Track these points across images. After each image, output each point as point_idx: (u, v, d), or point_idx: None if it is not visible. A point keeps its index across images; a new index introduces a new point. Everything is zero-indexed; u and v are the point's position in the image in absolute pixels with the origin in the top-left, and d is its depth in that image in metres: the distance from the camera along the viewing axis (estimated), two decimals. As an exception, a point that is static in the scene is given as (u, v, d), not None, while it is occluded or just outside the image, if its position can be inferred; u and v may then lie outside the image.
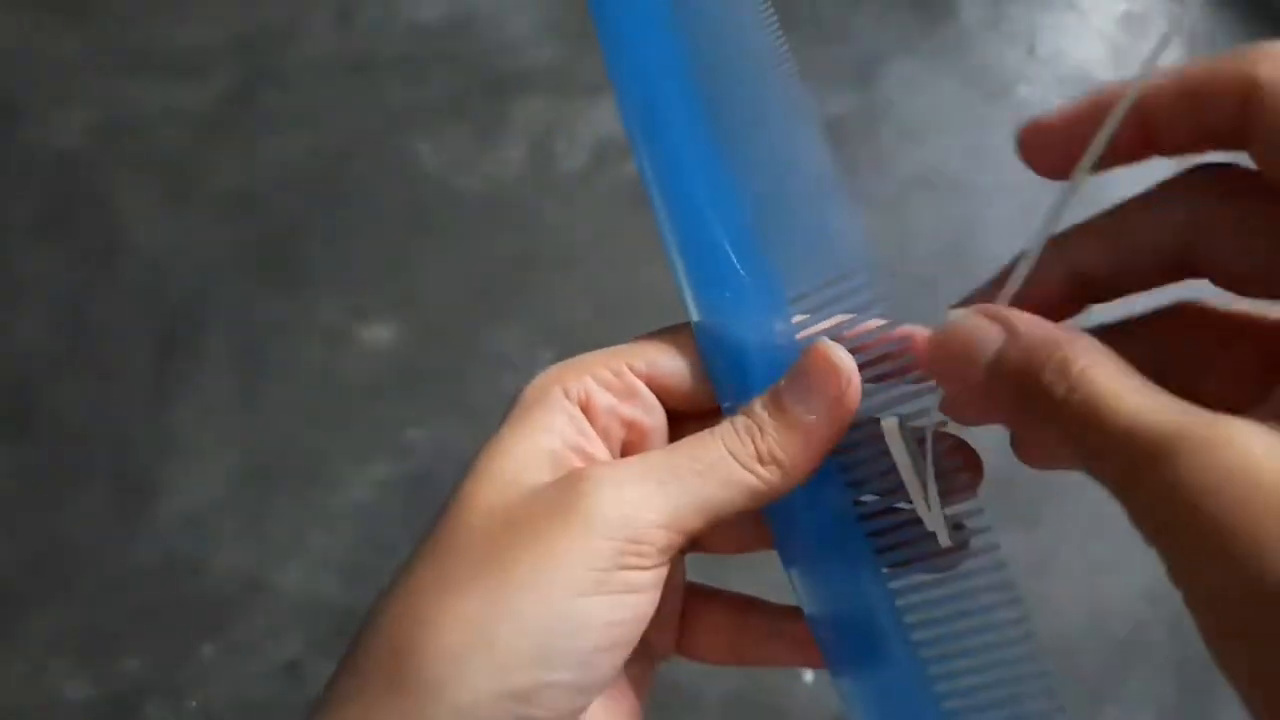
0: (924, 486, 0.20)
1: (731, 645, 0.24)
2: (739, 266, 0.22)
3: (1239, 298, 0.19)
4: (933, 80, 0.65)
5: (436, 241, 0.59)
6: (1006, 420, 0.19)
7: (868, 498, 0.22)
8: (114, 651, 0.49)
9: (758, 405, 0.20)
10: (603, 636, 0.18)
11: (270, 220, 0.60)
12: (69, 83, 0.64)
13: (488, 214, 0.60)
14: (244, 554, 0.51)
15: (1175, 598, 0.15)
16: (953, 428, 0.21)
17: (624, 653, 0.19)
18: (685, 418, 0.22)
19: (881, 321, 0.21)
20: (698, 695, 0.47)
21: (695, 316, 0.22)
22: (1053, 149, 0.20)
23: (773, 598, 0.24)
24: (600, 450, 0.21)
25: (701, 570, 0.24)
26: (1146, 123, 0.19)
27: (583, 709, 0.19)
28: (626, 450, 0.22)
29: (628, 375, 0.22)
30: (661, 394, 0.22)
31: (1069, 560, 0.52)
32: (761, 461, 0.20)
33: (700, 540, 0.24)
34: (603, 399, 0.21)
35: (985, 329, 0.18)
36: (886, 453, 0.20)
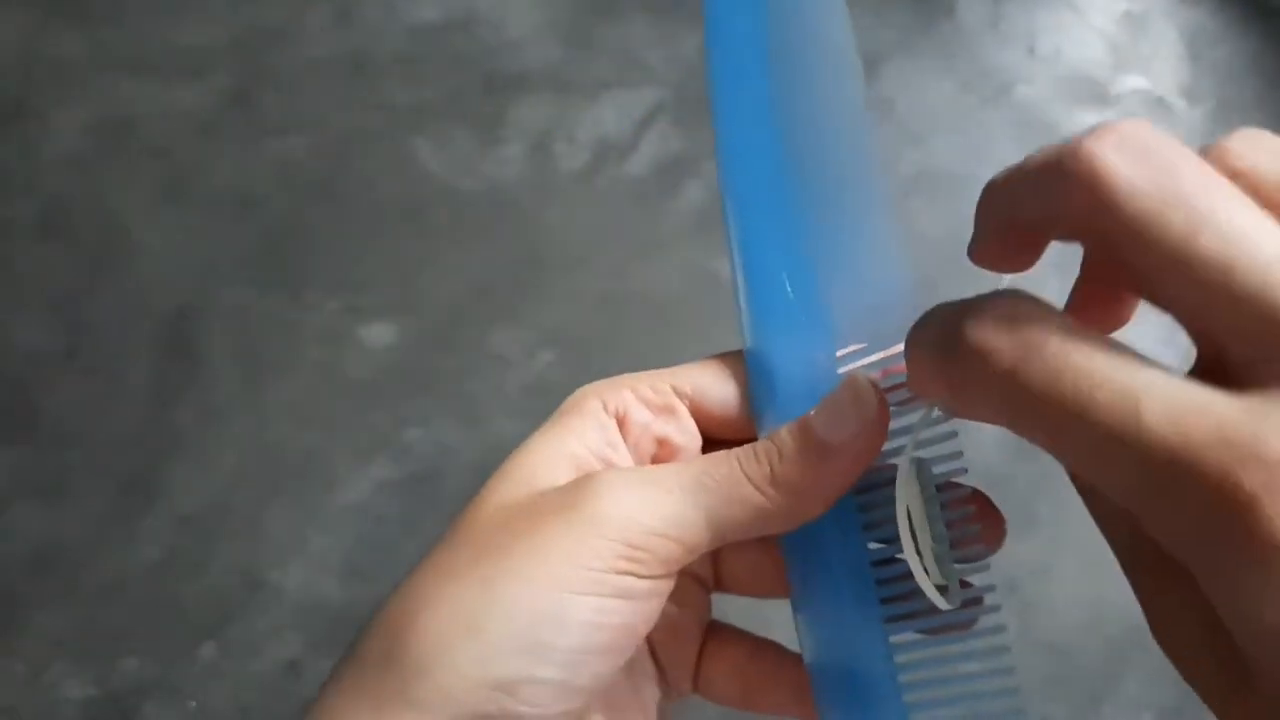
0: (929, 536, 0.20)
1: (742, 689, 0.24)
2: (794, 299, 0.22)
3: None
4: (932, 80, 0.65)
5: (436, 241, 0.59)
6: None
7: (878, 545, 0.21)
8: (114, 651, 0.49)
9: (785, 431, 0.20)
10: (590, 638, 0.18)
11: (270, 220, 0.60)
12: (69, 83, 0.64)
13: (488, 214, 0.60)
14: (244, 554, 0.51)
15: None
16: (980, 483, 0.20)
17: (614, 661, 0.19)
18: (723, 444, 0.22)
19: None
20: (697, 696, 0.47)
21: (748, 343, 0.22)
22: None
23: (790, 641, 0.23)
24: (625, 461, 0.21)
25: (745, 610, 0.24)
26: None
27: (572, 708, 0.19)
28: (654, 464, 0.22)
29: (668, 394, 0.22)
30: (702, 417, 0.22)
31: (1068, 560, 0.52)
32: (775, 485, 0.19)
33: (726, 580, 0.24)
34: (639, 414, 0.21)
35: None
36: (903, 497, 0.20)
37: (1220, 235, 0.14)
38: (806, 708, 0.23)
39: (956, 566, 0.20)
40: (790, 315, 0.22)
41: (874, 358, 0.21)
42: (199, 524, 0.52)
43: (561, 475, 0.20)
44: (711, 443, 0.23)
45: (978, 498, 0.21)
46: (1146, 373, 0.14)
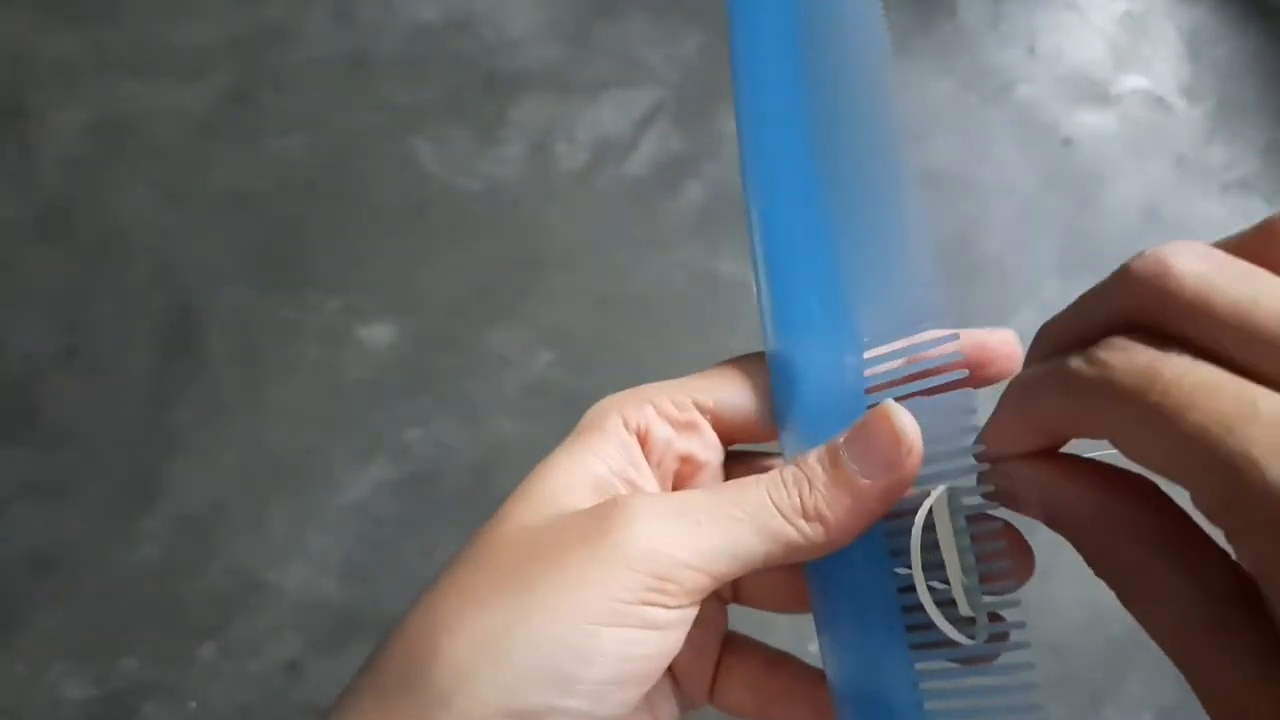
0: (959, 567, 0.19)
1: (758, 701, 0.23)
2: (820, 309, 0.21)
3: None
4: (932, 80, 0.65)
5: (436, 241, 0.59)
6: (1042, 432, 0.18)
7: (905, 571, 0.21)
8: (114, 651, 0.49)
9: (813, 457, 0.20)
10: (616, 669, 0.18)
11: (270, 220, 0.60)
12: (69, 83, 0.64)
13: (488, 214, 0.60)
14: (244, 554, 0.51)
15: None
16: (1006, 514, 0.20)
17: (638, 690, 0.19)
18: (744, 456, 0.22)
19: (951, 347, 0.20)
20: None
21: (771, 345, 0.22)
22: None
23: (812, 656, 0.23)
24: (649, 482, 0.21)
25: (748, 619, 0.24)
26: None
27: None
28: (678, 484, 0.22)
29: (690, 409, 0.21)
30: (724, 428, 0.22)
31: (1069, 561, 0.52)
32: (806, 517, 0.19)
33: (744, 594, 0.24)
34: (661, 430, 0.21)
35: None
36: (932, 526, 0.20)
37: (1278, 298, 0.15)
38: None
39: (986, 599, 0.20)
40: (815, 320, 0.21)
41: (899, 362, 0.21)
42: (199, 524, 0.52)
43: (584, 497, 0.20)
44: (733, 456, 0.22)
45: (1008, 531, 0.21)
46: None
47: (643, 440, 0.21)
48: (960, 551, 0.20)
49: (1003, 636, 0.20)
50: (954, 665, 0.20)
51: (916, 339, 0.21)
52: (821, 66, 0.22)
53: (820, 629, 0.21)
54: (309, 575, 0.51)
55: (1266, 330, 0.15)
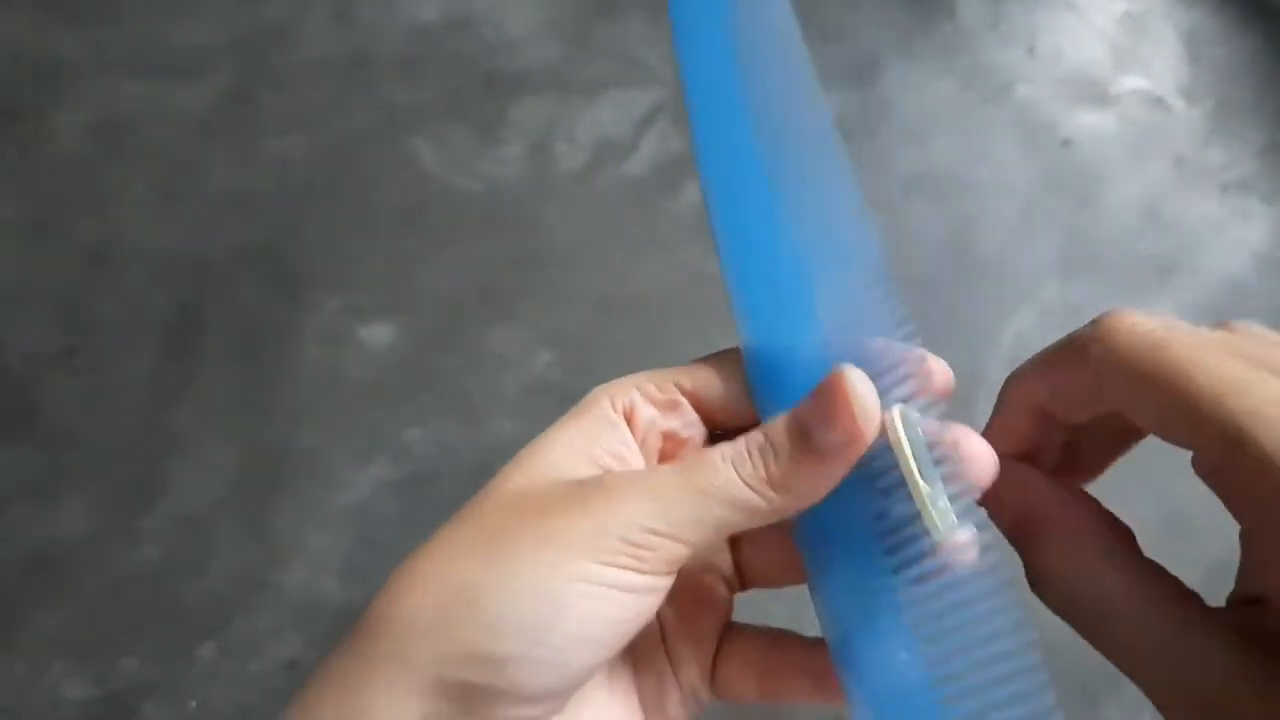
0: (921, 476, 0.20)
1: (759, 684, 0.24)
2: (783, 285, 0.23)
3: None
4: (932, 80, 0.65)
5: (436, 241, 0.59)
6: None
7: (881, 501, 0.22)
8: (114, 651, 0.49)
9: (779, 426, 0.21)
10: (584, 625, 0.19)
11: (270, 220, 0.60)
12: (69, 83, 0.64)
13: (488, 214, 0.60)
14: (244, 554, 0.51)
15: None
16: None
17: (605, 652, 0.20)
18: (728, 434, 0.23)
19: (919, 353, 0.21)
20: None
21: (744, 337, 0.23)
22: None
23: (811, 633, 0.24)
24: (636, 457, 0.22)
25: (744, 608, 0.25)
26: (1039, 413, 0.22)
27: (555, 697, 0.19)
28: (663, 459, 0.23)
29: (673, 390, 0.23)
30: (705, 410, 0.23)
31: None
32: (772, 485, 0.20)
33: (750, 577, 0.25)
34: (645, 411, 0.23)
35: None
36: (889, 449, 0.21)
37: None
38: (826, 692, 0.23)
39: (953, 508, 0.21)
40: (779, 301, 0.23)
41: (859, 340, 0.21)
42: (199, 524, 0.52)
43: (575, 469, 0.21)
44: (717, 436, 0.23)
45: (959, 433, 0.21)
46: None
47: (629, 419, 0.22)
48: (922, 464, 0.20)
49: (973, 542, 0.21)
50: (934, 579, 0.21)
51: (876, 346, 0.22)
52: (757, 60, 0.24)
53: (811, 586, 0.22)
54: (309, 575, 0.51)
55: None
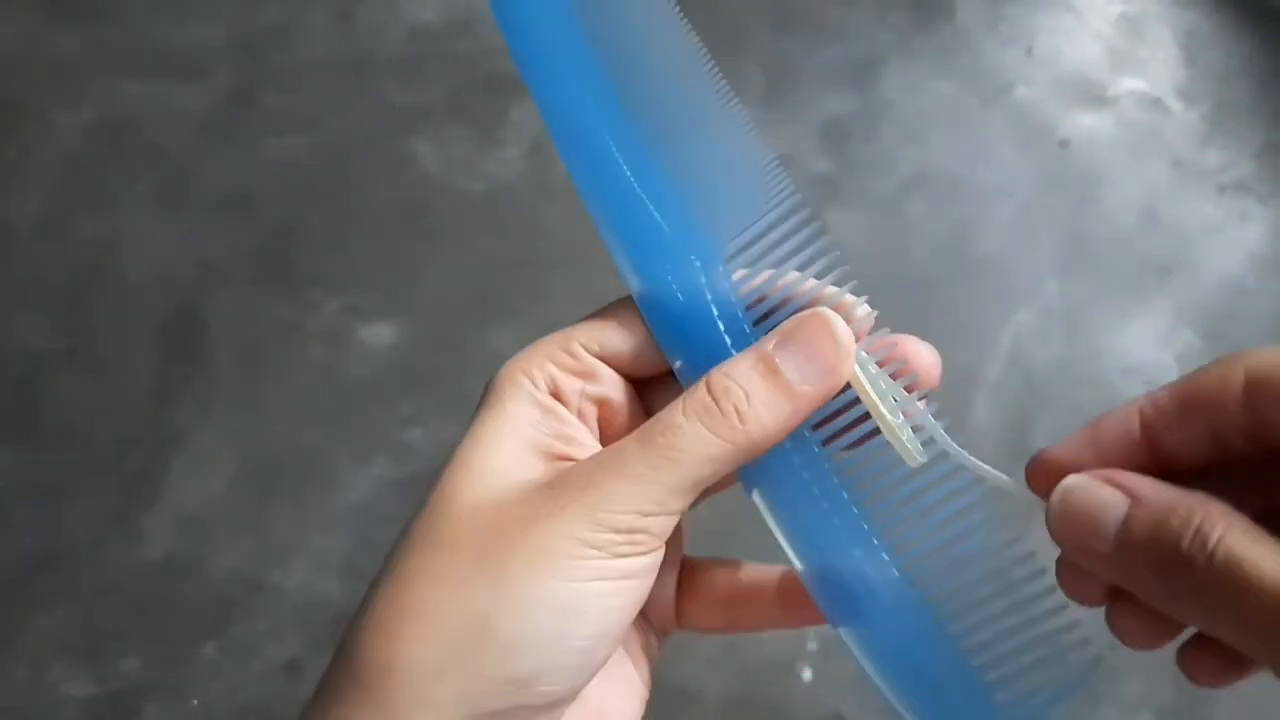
0: (885, 411, 0.20)
1: (725, 611, 0.24)
2: (669, 230, 0.22)
3: None
4: (932, 81, 0.65)
5: (436, 241, 0.60)
6: (1140, 592, 0.18)
7: (827, 428, 0.22)
8: (114, 651, 0.49)
9: (745, 367, 0.20)
10: (603, 622, 0.19)
11: (270, 220, 0.60)
12: (69, 83, 0.64)
13: (488, 214, 0.60)
14: (244, 554, 0.51)
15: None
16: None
17: (620, 637, 0.20)
18: (656, 380, 0.23)
19: (825, 282, 0.21)
20: (697, 695, 0.47)
21: (635, 285, 0.22)
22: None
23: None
24: (580, 432, 0.22)
25: (699, 546, 0.25)
26: (1154, 444, 0.19)
27: (579, 689, 0.19)
28: (602, 425, 0.22)
29: (586, 357, 0.22)
30: (618, 367, 0.22)
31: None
32: (744, 426, 0.20)
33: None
34: (570, 384, 0.22)
35: (1107, 496, 0.18)
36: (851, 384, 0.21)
37: None
38: (792, 615, 0.23)
39: (907, 422, 0.21)
40: (673, 250, 0.22)
41: (768, 273, 0.21)
42: (199, 524, 0.52)
43: (527, 465, 0.20)
44: (636, 383, 0.23)
45: (901, 343, 0.21)
46: None
47: (555, 395, 0.22)
48: (884, 400, 0.20)
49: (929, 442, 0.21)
50: (902, 502, 0.21)
51: (785, 272, 0.21)
52: (598, 14, 0.23)
53: (750, 488, 0.22)
54: (309, 575, 0.51)
55: None
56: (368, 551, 0.51)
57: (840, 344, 0.20)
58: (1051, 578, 0.20)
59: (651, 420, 0.20)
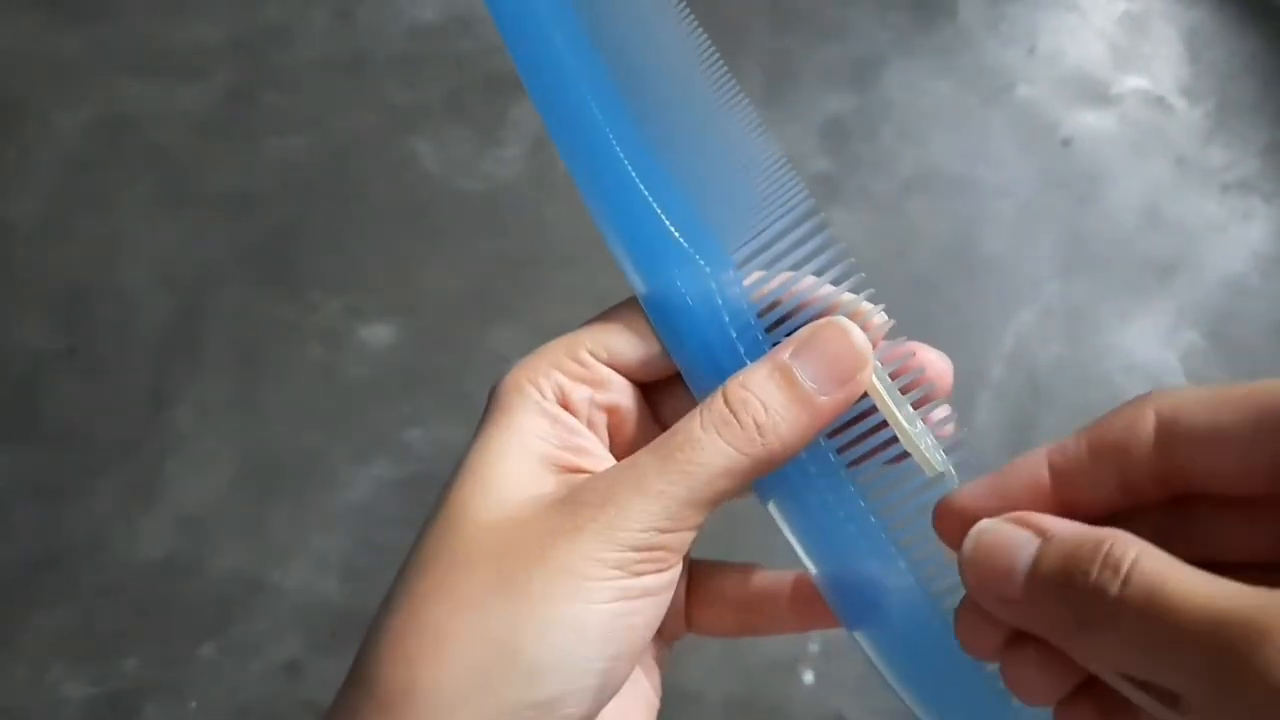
0: (904, 420, 0.20)
1: (736, 617, 0.24)
2: (675, 232, 0.21)
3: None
4: (932, 80, 0.65)
5: (436, 241, 0.59)
6: (1057, 636, 0.17)
7: (843, 436, 0.21)
8: (114, 651, 0.49)
9: (761, 377, 0.20)
10: (624, 642, 0.19)
11: (270, 220, 0.60)
12: (69, 83, 0.64)
13: (488, 214, 0.60)
14: (244, 554, 0.51)
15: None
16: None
17: (640, 652, 0.19)
18: (665, 384, 0.22)
19: (839, 289, 0.21)
20: (699, 696, 0.47)
21: (641, 289, 0.22)
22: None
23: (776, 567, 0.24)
24: (590, 442, 0.21)
25: (707, 547, 0.24)
26: (1064, 492, 0.19)
27: (601, 709, 0.19)
28: (613, 433, 0.22)
29: (593, 363, 0.21)
30: (623, 372, 0.22)
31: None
32: (763, 439, 0.19)
33: None
34: (578, 392, 0.21)
35: (1018, 535, 0.17)
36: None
37: None
38: (806, 619, 0.23)
39: (926, 430, 0.20)
40: (681, 254, 0.21)
41: (782, 278, 0.21)
42: (199, 524, 0.52)
43: (540, 477, 0.20)
44: (645, 387, 0.22)
45: (919, 353, 0.21)
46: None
47: (564, 404, 0.21)
48: (901, 408, 0.20)
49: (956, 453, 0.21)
50: (913, 504, 0.21)
51: (796, 275, 0.21)
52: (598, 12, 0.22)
53: (770, 499, 0.21)
54: (309, 575, 0.51)
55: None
56: (368, 551, 0.51)
57: (859, 353, 0.20)
58: None
59: (668, 433, 0.20)
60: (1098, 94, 0.65)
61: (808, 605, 0.23)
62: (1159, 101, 0.65)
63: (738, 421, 0.19)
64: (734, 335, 0.21)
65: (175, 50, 0.65)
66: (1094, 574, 0.16)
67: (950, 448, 0.21)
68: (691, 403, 0.20)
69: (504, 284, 0.58)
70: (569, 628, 0.18)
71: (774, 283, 0.21)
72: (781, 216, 0.21)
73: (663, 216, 0.21)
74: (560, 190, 0.61)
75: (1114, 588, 0.15)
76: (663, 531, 0.19)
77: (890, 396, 0.20)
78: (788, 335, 0.20)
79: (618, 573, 0.18)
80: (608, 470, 0.20)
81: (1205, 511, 0.19)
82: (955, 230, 0.60)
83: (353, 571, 0.51)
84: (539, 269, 0.58)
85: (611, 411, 0.22)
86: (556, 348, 0.22)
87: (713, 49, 0.23)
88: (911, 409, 0.20)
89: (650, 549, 0.19)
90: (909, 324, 0.21)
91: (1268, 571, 0.17)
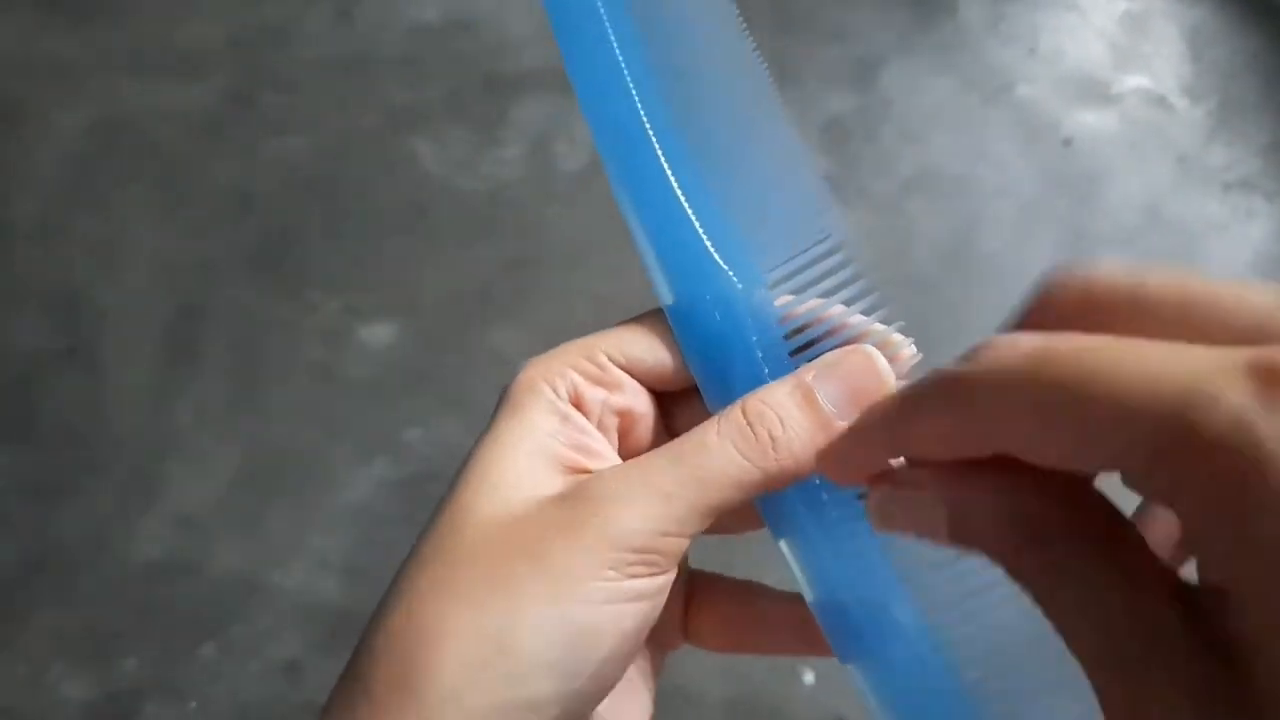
0: None
1: (735, 634, 0.24)
2: (713, 251, 0.21)
3: None
4: (932, 80, 0.65)
5: (436, 241, 0.59)
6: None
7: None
8: (114, 651, 0.49)
9: (782, 395, 0.20)
10: (617, 644, 0.18)
11: (270, 220, 0.60)
12: (69, 83, 0.64)
13: (488, 214, 0.60)
14: (244, 554, 0.51)
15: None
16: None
17: (632, 657, 0.19)
18: (680, 394, 0.22)
19: (870, 319, 0.21)
20: (699, 698, 0.47)
21: (669, 300, 0.22)
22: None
23: (775, 582, 0.23)
24: (600, 443, 0.21)
25: (707, 555, 0.24)
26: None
27: (592, 711, 0.19)
28: (623, 437, 0.22)
29: (610, 367, 0.21)
30: (641, 379, 0.22)
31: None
32: (777, 453, 0.19)
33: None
34: (592, 393, 0.21)
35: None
36: None
37: None
38: (804, 643, 0.23)
39: None
40: (714, 270, 0.21)
41: (813, 303, 0.21)
42: (199, 524, 0.52)
43: (546, 476, 0.20)
44: (660, 396, 0.22)
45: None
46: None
47: (577, 404, 0.21)
48: None
49: None
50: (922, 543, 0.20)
51: (828, 291, 0.21)
52: (652, 14, 0.22)
53: (783, 540, 0.21)
54: (309, 575, 0.51)
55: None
56: (368, 551, 0.51)
57: (882, 381, 0.19)
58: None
59: (681, 438, 0.20)
60: (1098, 93, 0.65)
61: (806, 631, 0.22)
62: (1160, 101, 0.65)
63: (754, 434, 0.19)
64: (760, 355, 0.21)
65: (175, 50, 0.65)
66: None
67: None
68: (705, 415, 0.20)
69: (504, 284, 0.58)
70: (563, 628, 0.18)
71: (805, 306, 0.21)
72: (818, 243, 0.21)
73: (700, 231, 0.21)
74: (560, 190, 0.61)
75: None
76: (662, 534, 0.19)
77: None
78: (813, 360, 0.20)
79: (612, 573, 0.18)
80: (614, 467, 0.20)
81: None
82: (955, 230, 0.60)
83: (353, 571, 0.51)
84: (539, 269, 0.58)
85: (624, 415, 0.22)
86: (574, 348, 0.22)
87: (765, 61, 0.23)
88: None
89: (646, 551, 0.19)
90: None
91: None
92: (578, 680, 0.18)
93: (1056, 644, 0.18)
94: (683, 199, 0.21)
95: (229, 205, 0.60)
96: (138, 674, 0.49)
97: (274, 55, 0.65)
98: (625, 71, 0.22)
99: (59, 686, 0.48)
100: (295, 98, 0.64)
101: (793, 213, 0.21)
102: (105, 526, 0.52)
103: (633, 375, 0.22)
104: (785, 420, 0.19)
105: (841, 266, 0.21)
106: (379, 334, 0.57)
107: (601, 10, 0.22)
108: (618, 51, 0.22)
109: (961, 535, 0.15)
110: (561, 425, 0.20)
